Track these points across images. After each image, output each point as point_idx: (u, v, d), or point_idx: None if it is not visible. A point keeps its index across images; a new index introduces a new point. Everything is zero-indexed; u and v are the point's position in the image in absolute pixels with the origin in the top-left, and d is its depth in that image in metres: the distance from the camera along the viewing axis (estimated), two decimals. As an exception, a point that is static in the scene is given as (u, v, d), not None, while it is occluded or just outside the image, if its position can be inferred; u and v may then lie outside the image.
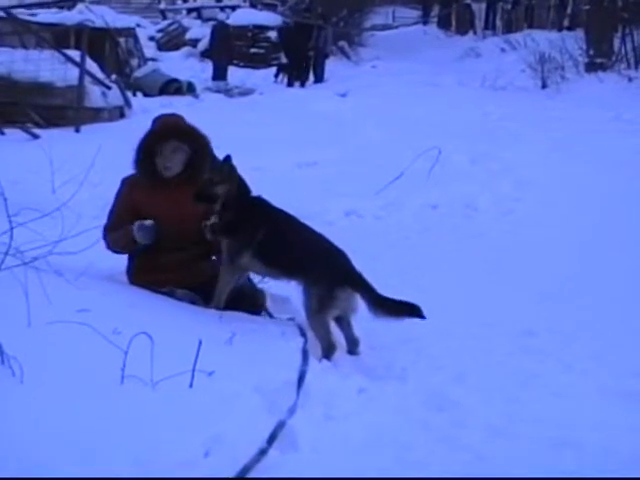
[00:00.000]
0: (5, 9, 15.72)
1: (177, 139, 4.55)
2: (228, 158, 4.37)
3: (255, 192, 4.57)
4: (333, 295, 4.17)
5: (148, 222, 4.45)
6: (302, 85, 18.12)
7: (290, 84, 18.15)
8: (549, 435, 3.51)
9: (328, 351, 4.17)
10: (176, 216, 4.46)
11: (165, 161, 4.54)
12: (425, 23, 30.84)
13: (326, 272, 4.22)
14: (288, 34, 19.24)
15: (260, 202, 4.47)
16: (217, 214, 4.37)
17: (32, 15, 15.39)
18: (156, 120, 4.76)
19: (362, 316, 4.31)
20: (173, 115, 4.86)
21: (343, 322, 4.36)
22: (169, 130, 4.58)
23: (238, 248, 4.33)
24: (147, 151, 4.56)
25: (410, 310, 4.20)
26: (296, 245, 4.38)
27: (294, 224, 4.49)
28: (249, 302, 4.57)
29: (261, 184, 4.70)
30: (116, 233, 4.55)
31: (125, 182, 4.68)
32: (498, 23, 26.91)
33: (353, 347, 4.34)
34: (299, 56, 18.36)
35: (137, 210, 4.54)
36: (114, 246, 4.61)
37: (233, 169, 4.38)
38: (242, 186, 4.43)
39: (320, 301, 4.17)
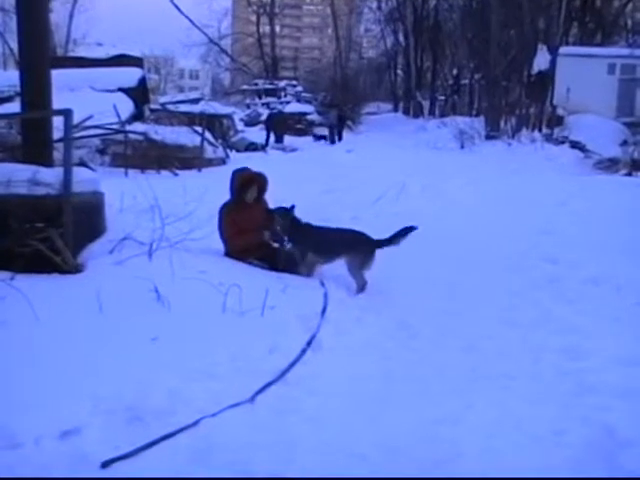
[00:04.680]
0: (162, 104, 16.16)
1: (255, 184, 4.56)
2: (292, 208, 4.39)
3: (300, 205, 4.50)
4: (368, 257, 4.28)
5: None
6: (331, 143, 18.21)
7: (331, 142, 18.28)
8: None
9: (362, 287, 4.25)
10: (254, 222, 4.42)
11: (251, 196, 4.55)
12: (395, 111, 30.61)
13: (359, 247, 4.30)
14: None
15: (307, 226, 4.43)
16: (283, 232, 4.37)
17: (176, 107, 15.52)
18: (236, 171, 4.63)
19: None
20: (246, 168, 4.72)
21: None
22: (253, 180, 4.57)
23: (302, 254, 4.34)
24: (241, 191, 4.53)
25: (408, 230, 4.33)
26: (336, 240, 4.36)
27: (326, 230, 4.46)
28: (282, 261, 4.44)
29: (303, 201, 4.68)
30: (247, 237, 4.41)
31: (224, 209, 4.54)
32: (437, 111, 26.76)
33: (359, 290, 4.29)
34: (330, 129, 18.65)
35: (236, 221, 4.44)
36: (243, 242, 4.41)
37: (287, 215, 4.37)
38: (294, 220, 4.40)
39: (361, 263, 4.27)
